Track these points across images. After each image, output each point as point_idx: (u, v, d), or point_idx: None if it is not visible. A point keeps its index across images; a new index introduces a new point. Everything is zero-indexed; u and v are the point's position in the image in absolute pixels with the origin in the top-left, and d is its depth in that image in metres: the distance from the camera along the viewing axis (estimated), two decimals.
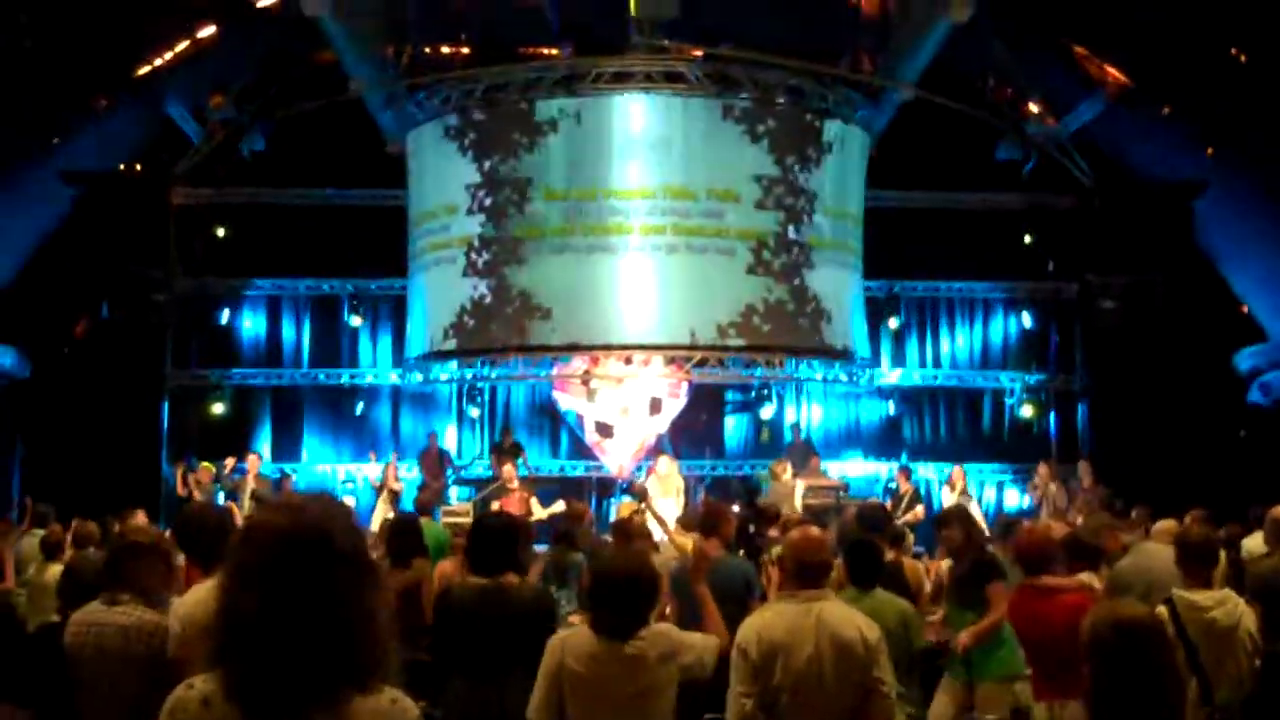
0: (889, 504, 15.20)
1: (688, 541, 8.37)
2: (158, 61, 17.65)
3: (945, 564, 8.12)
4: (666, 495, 14.73)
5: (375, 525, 14.05)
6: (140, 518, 11.45)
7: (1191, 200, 17.89)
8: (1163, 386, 17.75)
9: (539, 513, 14.80)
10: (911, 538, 11.81)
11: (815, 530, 5.02)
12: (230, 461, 16.91)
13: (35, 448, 17.74)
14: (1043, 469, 16.87)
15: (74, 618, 4.93)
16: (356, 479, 19.02)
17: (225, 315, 19.78)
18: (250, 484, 16.23)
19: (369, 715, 2.23)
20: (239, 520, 9.75)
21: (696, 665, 4.60)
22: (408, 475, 17.68)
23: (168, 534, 9.68)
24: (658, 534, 9.93)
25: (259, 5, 16.75)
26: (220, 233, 19.30)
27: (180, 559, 7.82)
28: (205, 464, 16.71)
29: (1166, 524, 8.10)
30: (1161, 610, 5.11)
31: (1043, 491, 16.61)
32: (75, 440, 17.14)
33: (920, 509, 15.89)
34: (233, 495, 16.30)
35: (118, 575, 4.90)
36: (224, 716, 2.21)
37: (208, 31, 17.67)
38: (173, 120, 18.30)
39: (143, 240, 18.27)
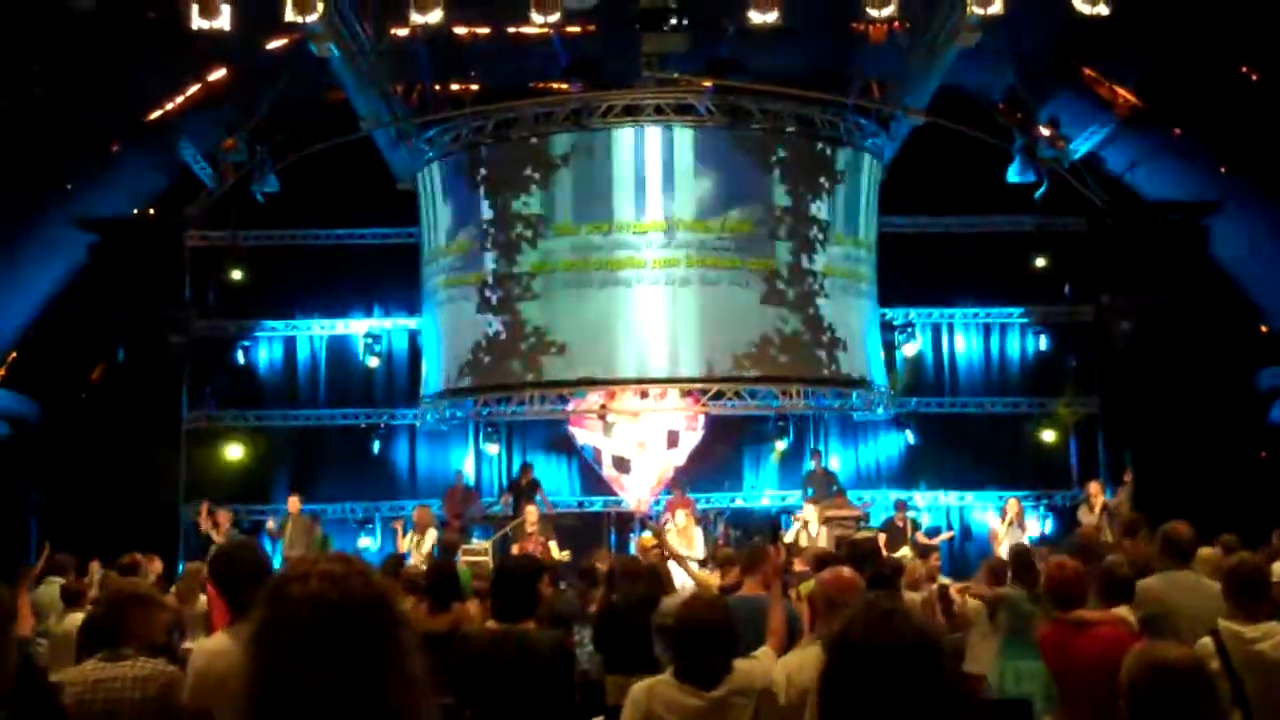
0: (884, 537, 15.07)
1: (713, 578, 8.29)
2: (169, 106, 17.70)
3: (973, 603, 7.99)
4: (687, 547, 14.57)
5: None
6: (155, 564, 11.37)
7: (1204, 219, 17.81)
8: (1182, 408, 17.59)
9: (559, 555, 14.66)
10: (921, 568, 11.70)
11: (847, 570, 4.94)
12: (271, 523, 16.77)
13: (52, 494, 17.69)
14: (1094, 487, 16.34)
15: (71, 677, 4.71)
16: (375, 519, 18.93)
17: (241, 356, 19.75)
18: (290, 526, 16.11)
19: None
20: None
21: (768, 689, 4.61)
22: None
23: (185, 576, 9.66)
24: (678, 575, 9.84)
25: (269, 48, 16.78)
26: (235, 274, 19.31)
27: (199, 604, 7.78)
28: (224, 510, 16.63)
29: (1207, 552, 7.92)
30: (1206, 642, 4.99)
31: (1099, 511, 16.01)
32: (92, 485, 17.09)
33: (924, 541, 15.72)
34: (276, 541, 16.21)
35: (113, 630, 4.77)
36: None
37: (219, 75, 17.72)
38: (186, 164, 18.35)
39: (158, 283, 18.35)
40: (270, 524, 16.76)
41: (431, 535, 15.11)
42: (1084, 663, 5.45)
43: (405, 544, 15.42)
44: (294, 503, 16.77)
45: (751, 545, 7.70)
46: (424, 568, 11.67)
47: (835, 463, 19.38)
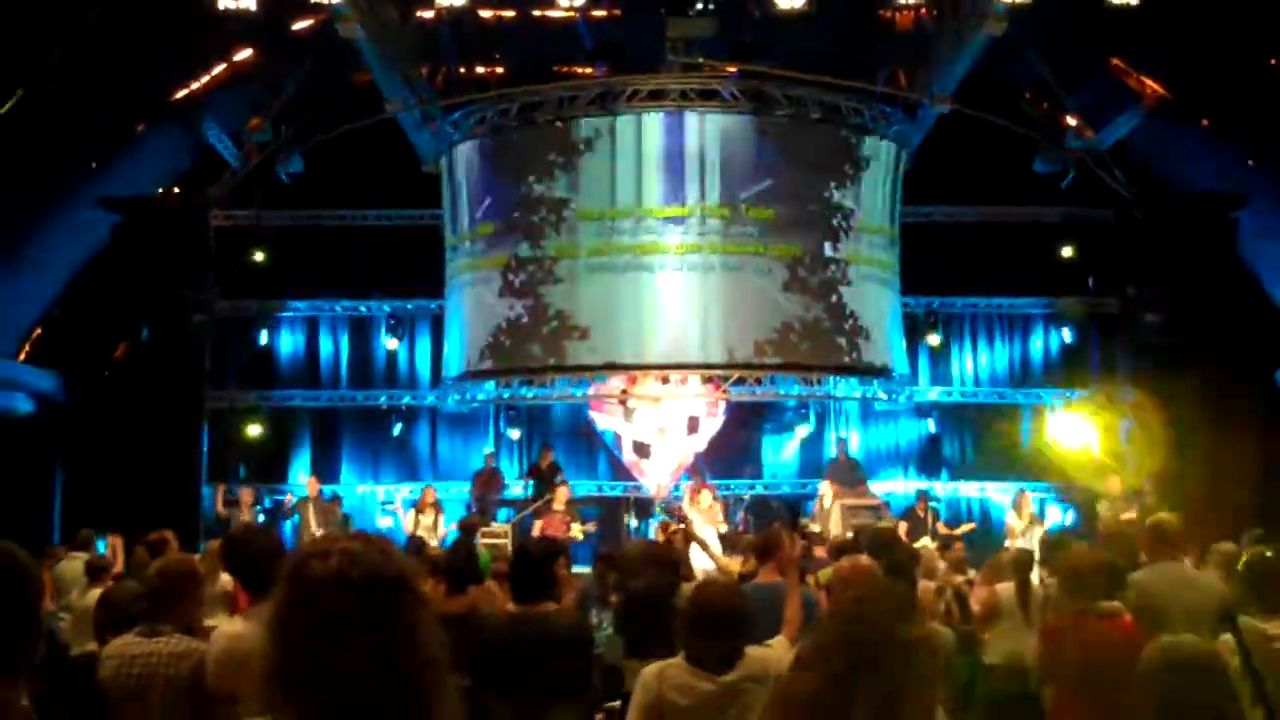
0: (905, 527, 15.05)
1: (734, 563, 8.29)
2: (195, 86, 17.75)
3: (1003, 586, 7.97)
4: (709, 525, 14.62)
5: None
6: (173, 541, 11.42)
7: (1232, 212, 17.69)
8: (1207, 401, 17.46)
9: (575, 533, 14.80)
10: (941, 563, 11.67)
11: (864, 559, 4.94)
12: (289, 498, 16.89)
13: (75, 471, 17.81)
14: (1114, 482, 16.27)
15: (109, 651, 4.82)
16: (395, 500, 19.01)
17: (263, 337, 19.86)
18: (310, 508, 16.24)
19: None
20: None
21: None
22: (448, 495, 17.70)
23: (205, 554, 9.72)
24: (698, 559, 9.84)
25: (295, 29, 16.81)
26: (258, 255, 19.36)
27: (220, 583, 7.82)
28: (246, 487, 16.75)
29: (1224, 546, 7.91)
30: (1227, 638, 4.96)
31: (1114, 507, 15.95)
32: (115, 463, 17.18)
33: (943, 531, 15.68)
34: (295, 520, 16.35)
35: (159, 606, 4.83)
36: None
37: (245, 55, 17.76)
38: (211, 144, 18.40)
39: (181, 263, 18.42)
40: (287, 500, 16.87)
41: (429, 516, 15.55)
42: (1109, 652, 5.41)
43: (408, 524, 15.65)
44: (312, 483, 16.86)
45: (765, 531, 7.67)
46: (434, 546, 11.76)
47: (854, 437, 19.40)
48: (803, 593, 6.90)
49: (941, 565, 11.70)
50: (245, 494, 16.62)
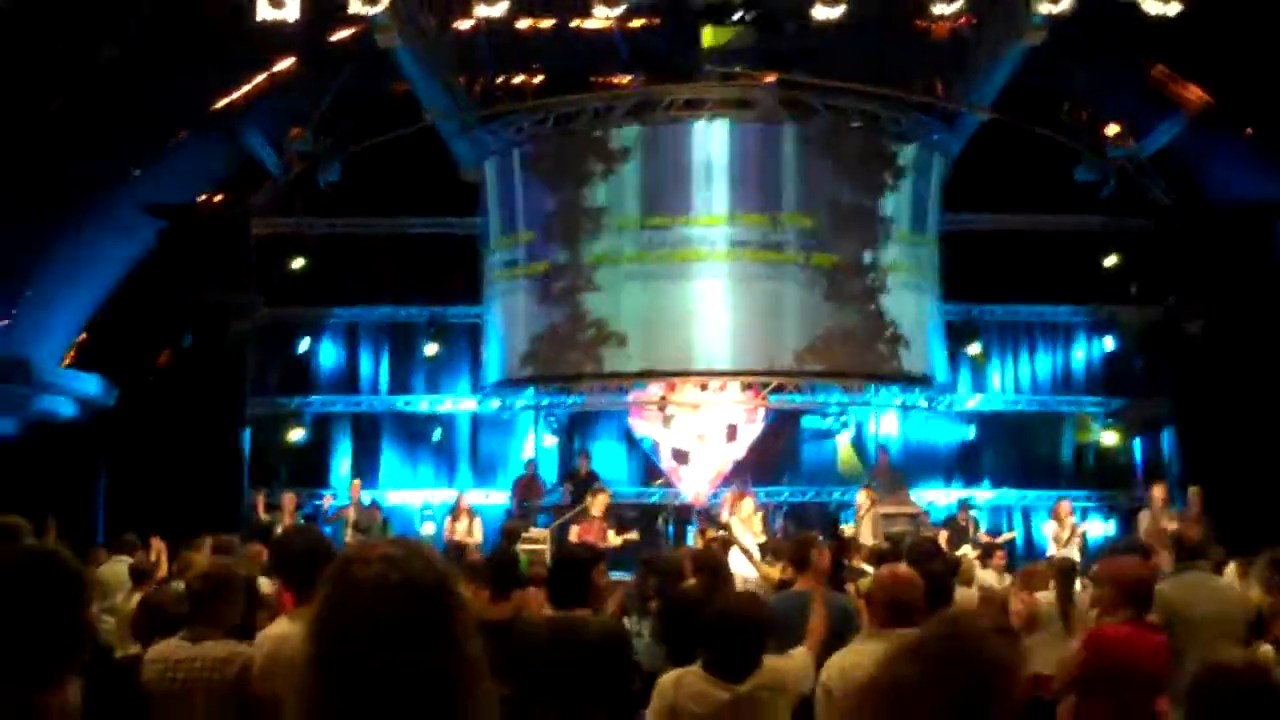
0: (946, 536, 14.99)
1: (774, 571, 8.28)
2: (236, 95, 17.89)
3: (1042, 595, 7.94)
4: (748, 532, 14.57)
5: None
6: (209, 544, 11.49)
7: (1276, 221, 17.53)
8: (1251, 411, 17.32)
9: (613, 540, 14.79)
10: (981, 571, 11.62)
11: (904, 568, 4.94)
12: (328, 501, 17.03)
13: (119, 474, 17.98)
14: (1157, 491, 16.11)
15: (153, 654, 4.84)
16: (434, 505, 19.10)
17: (304, 344, 20.00)
18: (352, 513, 16.40)
19: None
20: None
21: (806, 689, 4.62)
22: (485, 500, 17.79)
23: (241, 559, 9.80)
24: (738, 566, 9.82)
25: (334, 40, 16.93)
26: (298, 263, 19.51)
27: (267, 586, 7.88)
28: (289, 493, 16.88)
29: (1265, 558, 7.82)
30: (1267, 650, 4.92)
31: (1157, 517, 15.80)
32: (158, 467, 17.34)
33: (980, 540, 15.59)
34: (337, 526, 16.51)
35: (202, 610, 4.86)
36: None
37: (285, 65, 17.89)
38: (252, 152, 18.55)
39: (223, 270, 18.59)
40: (326, 503, 16.99)
41: (464, 522, 15.87)
42: (1154, 664, 5.38)
43: (447, 529, 15.85)
44: (354, 488, 17.00)
45: (799, 539, 7.66)
46: (473, 550, 11.83)
47: (893, 445, 19.34)
48: (842, 601, 6.91)
49: (983, 573, 11.69)
50: (287, 499, 16.74)
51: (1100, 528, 18.85)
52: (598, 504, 15.37)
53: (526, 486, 17.87)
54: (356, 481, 17.52)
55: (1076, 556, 12.79)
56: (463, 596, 2.31)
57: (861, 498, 15.83)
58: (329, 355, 20.24)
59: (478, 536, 15.88)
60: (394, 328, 20.19)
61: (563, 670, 5.16)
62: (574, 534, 14.96)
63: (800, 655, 4.99)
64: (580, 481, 17.18)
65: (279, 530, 13.66)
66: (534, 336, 17.11)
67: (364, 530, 15.96)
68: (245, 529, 17.09)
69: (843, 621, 6.64)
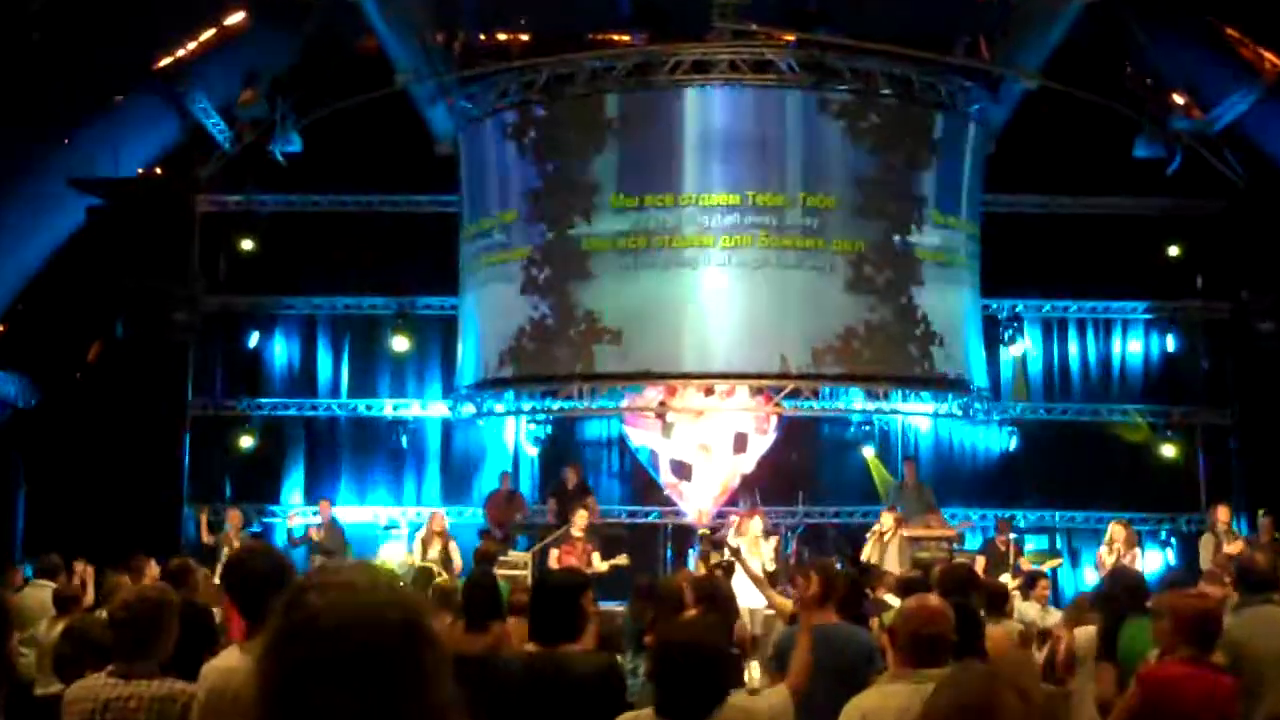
0: (983, 561, 14.99)
1: (788, 601, 8.29)
2: (180, 53, 17.87)
3: (1084, 631, 7.94)
4: (754, 556, 14.58)
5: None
6: (152, 568, 11.48)
7: None
8: None
9: (598, 565, 14.81)
10: (1021, 603, 11.63)
11: (934, 598, 4.93)
12: (293, 521, 17.07)
13: (42, 485, 17.94)
14: (1221, 512, 16.08)
15: (75, 692, 4.76)
16: (400, 524, 19.10)
17: (254, 338, 20.01)
18: (321, 535, 16.43)
19: None
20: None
21: None
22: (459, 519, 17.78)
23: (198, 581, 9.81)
24: (744, 595, 9.83)
25: None
26: (249, 245, 19.52)
27: (218, 611, 7.88)
28: (234, 509, 16.89)
29: None
30: None
31: (1221, 543, 15.77)
32: (86, 478, 17.31)
33: (1027, 567, 15.61)
34: (303, 549, 16.53)
35: (129, 642, 4.81)
36: None
37: (236, 19, 17.87)
38: (197, 119, 18.52)
39: (163, 253, 18.55)
40: (313, 531, 17.01)
41: (437, 546, 15.73)
42: (1199, 708, 5.39)
43: (415, 552, 15.81)
44: (325, 508, 17.02)
45: (816, 564, 7.67)
46: (445, 577, 11.84)
47: (924, 459, 19.37)
48: (862, 637, 6.93)
49: (1024, 605, 11.70)
50: (232, 516, 16.74)
51: (1158, 555, 18.86)
52: (579, 520, 15.37)
53: (502, 503, 17.87)
54: (325, 501, 17.54)
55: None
56: (434, 629, 2.29)
57: (886, 519, 15.84)
58: (282, 352, 20.25)
59: (457, 563, 15.86)
60: (357, 321, 20.20)
61: (547, 713, 5.15)
62: (553, 558, 14.98)
63: (776, 694, 4.96)
64: (568, 497, 17.19)
65: (230, 550, 13.67)
66: (516, 331, 17.09)
67: (332, 555, 15.97)
68: (185, 550, 17.14)
69: (864, 661, 6.66)
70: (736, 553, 11.53)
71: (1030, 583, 12.92)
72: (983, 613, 7.62)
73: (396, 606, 2.19)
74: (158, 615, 4.87)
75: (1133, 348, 19.94)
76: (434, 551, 15.84)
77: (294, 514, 17.67)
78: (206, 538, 16.58)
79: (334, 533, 16.79)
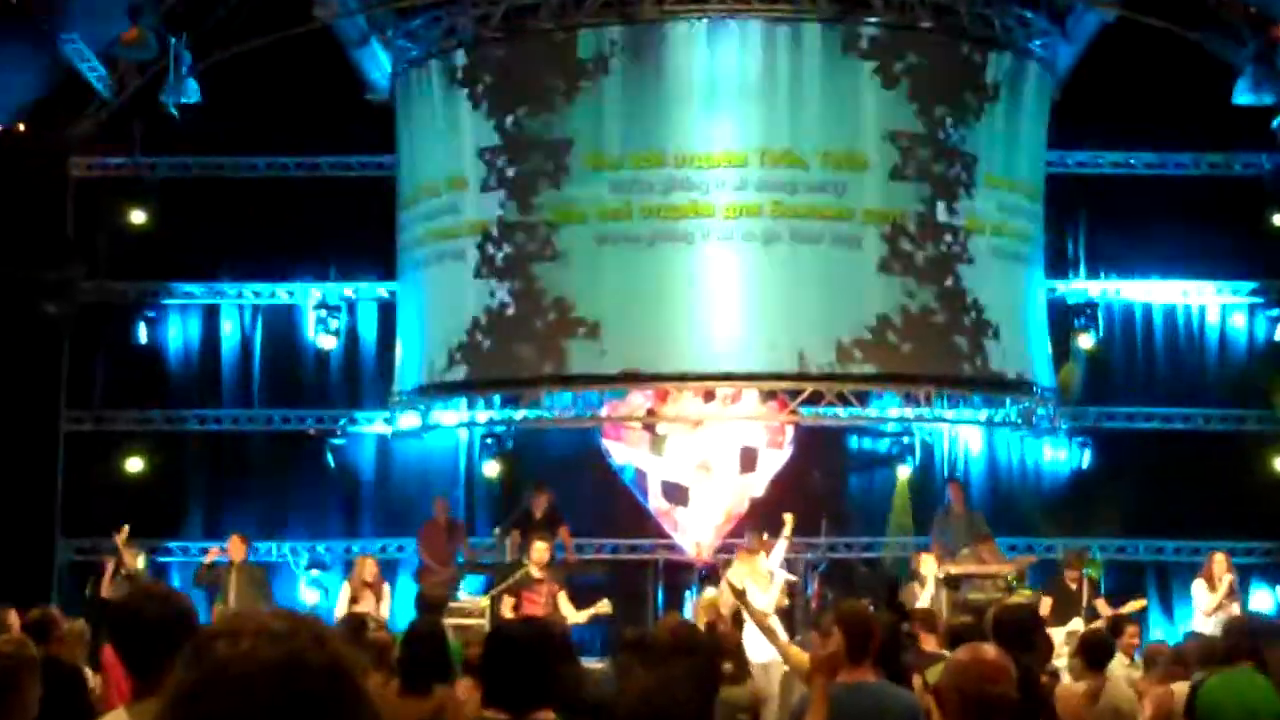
0: (1049, 602, 15.01)
1: (805, 656, 8.26)
2: None
3: (1181, 689, 7.94)
4: (762, 590, 14.56)
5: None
6: (11, 618, 11.43)
7: None
8: None
9: (572, 615, 14.75)
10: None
11: (990, 649, 4.88)
12: (213, 550, 16.96)
13: None
14: None
15: None
16: (325, 565, 19.07)
17: (144, 333, 19.93)
18: (234, 577, 16.33)
19: None
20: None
21: None
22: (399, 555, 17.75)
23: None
24: (756, 649, 9.80)
25: None
26: (137, 218, 19.47)
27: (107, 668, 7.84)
28: (126, 544, 16.70)
29: None
30: None
31: None
32: None
33: (1104, 610, 15.65)
34: (212, 592, 16.46)
35: None
36: None
37: None
38: (70, 63, 18.46)
39: (29, 229, 18.48)
40: (205, 565, 16.92)
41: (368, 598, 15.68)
42: None
43: (342, 600, 15.74)
44: (237, 546, 16.88)
45: (840, 609, 7.62)
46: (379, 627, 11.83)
47: (976, 477, 19.41)
48: (904, 700, 6.89)
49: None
50: (128, 557, 16.52)
51: (1267, 595, 18.91)
52: (535, 555, 15.31)
53: (438, 537, 17.86)
54: (237, 536, 17.40)
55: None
56: (367, 691, 2.28)
57: (926, 562, 15.84)
58: (179, 350, 20.23)
59: (386, 609, 15.82)
60: (272, 312, 20.21)
61: None
62: (508, 606, 14.92)
63: None
64: (535, 528, 17.13)
65: (117, 591, 13.63)
66: (469, 324, 17.08)
67: (252, 601, 15.91)
68: (61, 597, 17.07)
69: None
70: (741, 595, 11.48)
71: (1115, 629, 12.92)
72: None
73: (322, 656, 2.19)
74: (13, 675, 4.85)
75: (1234, 340, 19.98)
76: (365, 593, 15.79)
77: (213, 551, 17.53)
78: (108, 590, 16.40)
79: (248, 574, 16.65)
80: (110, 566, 16.58)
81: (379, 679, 7.60)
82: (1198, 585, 15.91)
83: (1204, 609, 15.40)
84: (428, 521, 18.22)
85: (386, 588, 16.29)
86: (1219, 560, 15.75)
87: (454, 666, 9.42)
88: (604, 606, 15.18)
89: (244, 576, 16.47)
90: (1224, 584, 15.43)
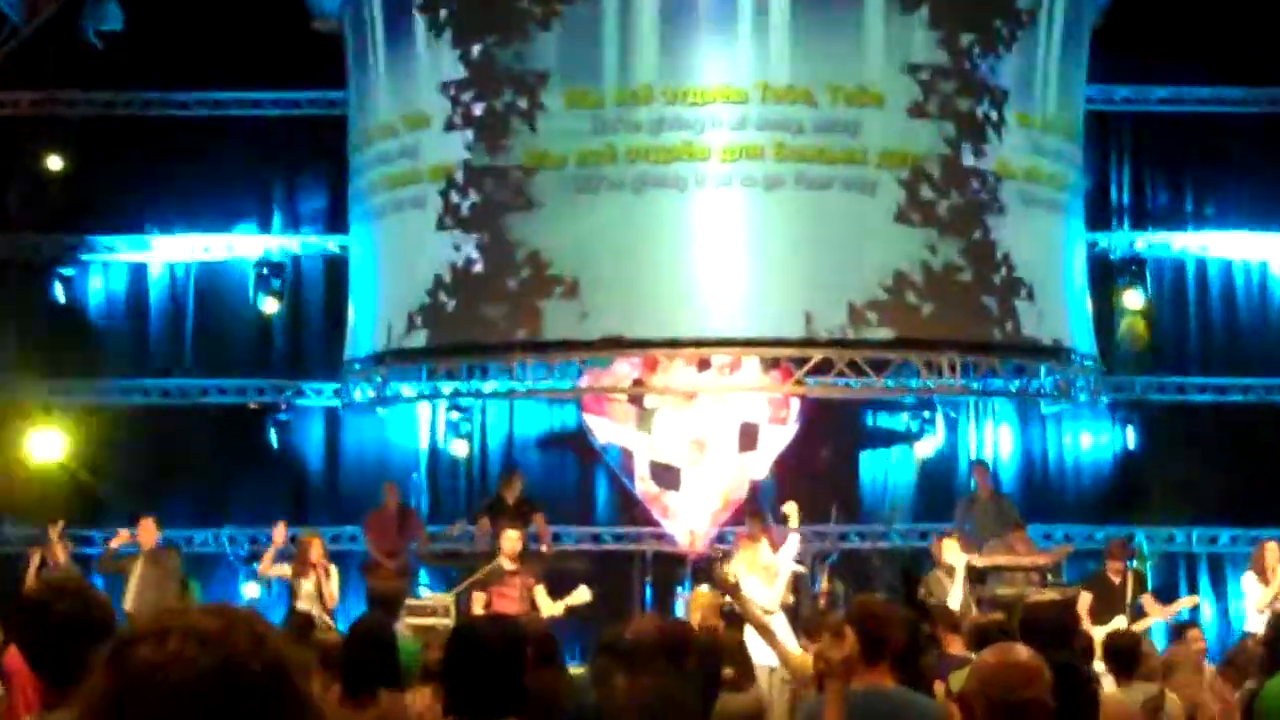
0: (1089, 598, 15.06)
1: (808, 660, 8.27)
2: None
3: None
4: (765, 584, 14.58)
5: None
6: None
7: None
8: None
9: (548, 607, 14.79)
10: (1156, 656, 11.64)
11: (1022, 650, 4.88)
12: (123, 534, 16.91)
13: None
14: None
15: None
16: (267, 552, 19.07)
17: (60, 292, 19.93)
18: (142, 565, 16.31)
19: None
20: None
21: None
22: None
23: None
24: (759, 651, 9.82)
25: None
26: (54, 164, 19.42)
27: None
28: (55, 533, 16.69)
29: None
30: None
31: None
32: None
33: (1152, 608, 15.69)
34: (116, 582, 16.43)
35: None
36: None
37: None
38: None
39: None
40: (107, 553, 16.90)
41: (312, 580, 15.78)
42: None
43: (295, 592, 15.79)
44: (147, 529, 16.86)
45: (854, 607, 7.63)
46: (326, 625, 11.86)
47: (1005, 456, 19.45)
48: (924, 706, 6.89)
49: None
50: (59, 548, 16.49)
51: None
52: (507, 545, 15.33)
53: (391, 525, 17.92)
54: (148, 519, 17.35)
55: None
56: (309, 693, 2.31)
57: (949, 548, 15.88)
58: (101, 312, 20.23)
59: (329, 596, 15.84)
60: (207, 270, 20.21)
61: None
62: (479, 603, 14.96)
63: None
64: (506, 515, 17.17)
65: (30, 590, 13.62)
66: (431, 283, 17.09)
67: (162, 591, 15.89)
68: None
69: None
70: (735, 589, 11.48)
71: (1176, 633, 12.94)
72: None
73: (260, 659, 2.20)
74: None
75: None
76: (309, 585, 15.77)
77: (121, 535, 17.49)
78: (32, 581, 16.38)
79: (159, 561, 16.58)
80: (36, 559, 16.58)
81: (320, 684, 7.59)
82: (1248, 579, 15.97)
83: (1257, 605, 15.43)
84: (375, 510, 18.24)
85: (334, 569, 16.29)
86: (1271, 550, 15.78)
87: (405, 671, 9.45)
88: (582, 594, 15.20)
89: (153, 565, 16.40)
90: (1278, 576, 15.46)
